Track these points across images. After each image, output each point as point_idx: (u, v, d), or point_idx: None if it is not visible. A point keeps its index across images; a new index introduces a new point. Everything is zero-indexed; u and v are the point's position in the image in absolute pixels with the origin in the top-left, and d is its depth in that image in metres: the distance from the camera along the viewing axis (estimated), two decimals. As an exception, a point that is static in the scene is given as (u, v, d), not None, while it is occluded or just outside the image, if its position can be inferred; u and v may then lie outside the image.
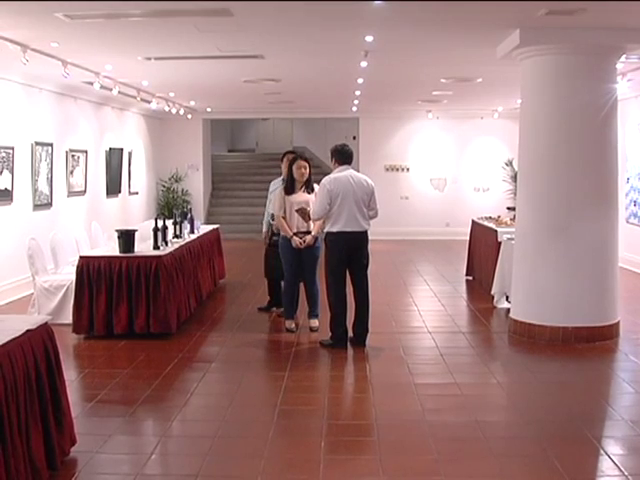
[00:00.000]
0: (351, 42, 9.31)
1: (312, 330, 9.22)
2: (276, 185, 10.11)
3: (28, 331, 4.76)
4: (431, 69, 11.91)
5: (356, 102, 17.39)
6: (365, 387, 7.33)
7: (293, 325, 9.36)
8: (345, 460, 5.39)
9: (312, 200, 8.95)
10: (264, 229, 10.30)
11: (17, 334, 4.63)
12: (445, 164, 20.63)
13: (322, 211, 8.43)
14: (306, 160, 9.22)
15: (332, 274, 8.55)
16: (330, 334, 8.61)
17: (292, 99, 16.58)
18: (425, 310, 10.81)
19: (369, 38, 8.96)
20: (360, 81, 13.18)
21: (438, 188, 20.63)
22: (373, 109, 19.35)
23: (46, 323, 5.12)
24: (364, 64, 10.80)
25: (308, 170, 9.13)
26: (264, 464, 5.21)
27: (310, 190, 9.11)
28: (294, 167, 9.10)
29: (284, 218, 9.09)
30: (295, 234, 9.03)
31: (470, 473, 5.14)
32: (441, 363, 7.94)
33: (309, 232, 9.02)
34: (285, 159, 9.87)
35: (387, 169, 20.59)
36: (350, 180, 8.47)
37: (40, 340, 4.92)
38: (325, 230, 8.56)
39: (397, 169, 20.72)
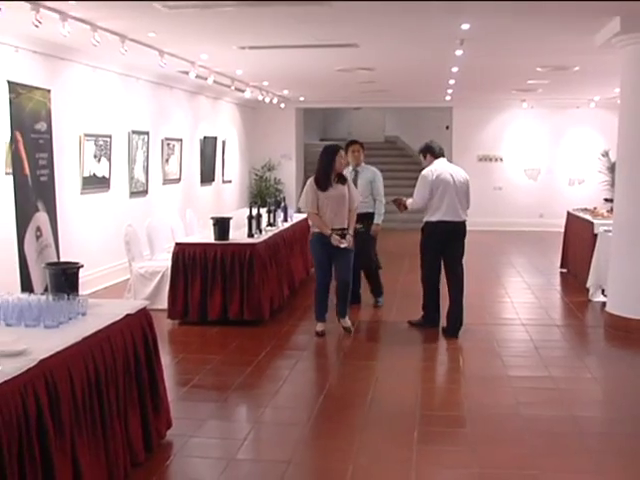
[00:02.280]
0: (447, 30, 9.20)
1: (345, 330, 8.71)
2: None
3: (128, 315, 4.86)
4: (527, 57, 11.70)
5: (450, 91, 17.21)
6: (457, 378, 7.29)
7: (323, 328, 8.62)
8: (438, 451, 5.36)
9: (346, 193, 8.40)
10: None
11: (117, 318, 4.73)
12: (539, 154, 20.32)
13: (422, 201, 8.46)
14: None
15: (427, 263, 8.65)
16: (422, 313, 8.74)
17: (385, 88, 16.47)
18: (518, 302, 10.67)
19: (465, 26, 8.84)
20: (455, 70, 13.03)
21: (532, 177, 20.35)
22: (467, 98, 19.12)
23: (145, 308, 5.21)
24: (459, 52, 10.66)
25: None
26: (355, 453, 5.22)
27: (343, 181, 8.45)
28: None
29: (317, 214, 8.37)
30: (333, 231, 8.34)
31: (565, 468, 5.05)
32: (535, 356, 7.83)
33: (344, 229, 8.37)
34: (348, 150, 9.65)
35: (480, 159, 20.39)
36: (449, 171, 8.54)
37: (139, 325, 5.02)
38: (424, 220, 8.51)
39: (490, 159, 20.50)
